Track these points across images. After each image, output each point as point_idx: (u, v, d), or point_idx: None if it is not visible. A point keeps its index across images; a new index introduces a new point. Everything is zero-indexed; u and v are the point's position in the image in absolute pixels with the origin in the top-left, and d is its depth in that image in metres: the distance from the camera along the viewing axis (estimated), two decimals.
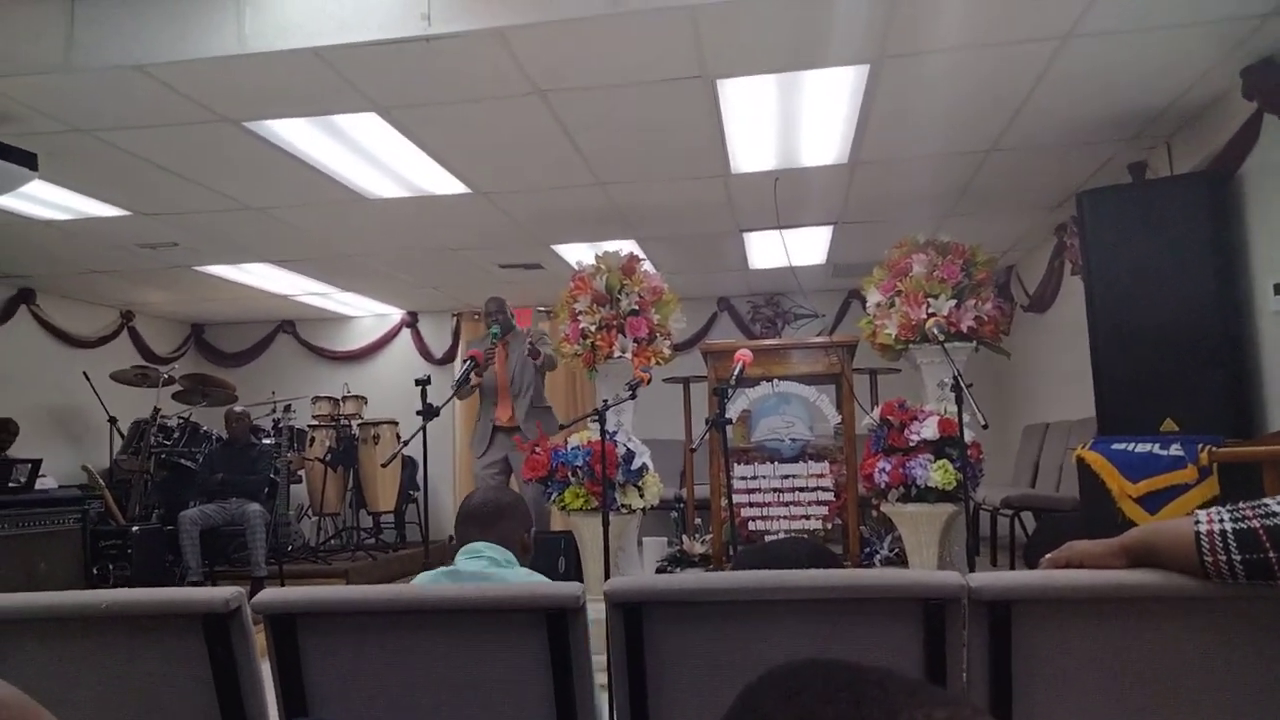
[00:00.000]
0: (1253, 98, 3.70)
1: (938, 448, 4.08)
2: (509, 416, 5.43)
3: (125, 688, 1.59)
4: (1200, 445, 3.39)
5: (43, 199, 4.96)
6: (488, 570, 2.00)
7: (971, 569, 3.48)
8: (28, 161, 3.81)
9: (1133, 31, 3.42)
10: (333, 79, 3.56)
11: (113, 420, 7.01)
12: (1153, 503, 3.42)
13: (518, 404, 5.41)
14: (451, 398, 4.06)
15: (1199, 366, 3.90)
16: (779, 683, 0.59)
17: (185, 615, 1.52)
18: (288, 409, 6.86)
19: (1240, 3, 3.24)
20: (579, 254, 6.46)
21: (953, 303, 4.41)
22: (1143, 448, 3.53)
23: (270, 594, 1.52)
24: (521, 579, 1.97)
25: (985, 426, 3.33)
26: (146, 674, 1.58)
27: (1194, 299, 3.95)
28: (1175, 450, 3.44)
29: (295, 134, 4.19)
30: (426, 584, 1.99)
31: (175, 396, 7.38)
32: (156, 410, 6.81)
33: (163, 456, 6.75)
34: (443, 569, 2.08)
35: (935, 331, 4.06)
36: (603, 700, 1.76)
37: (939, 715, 0.55)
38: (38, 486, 5.38)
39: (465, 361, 4.50)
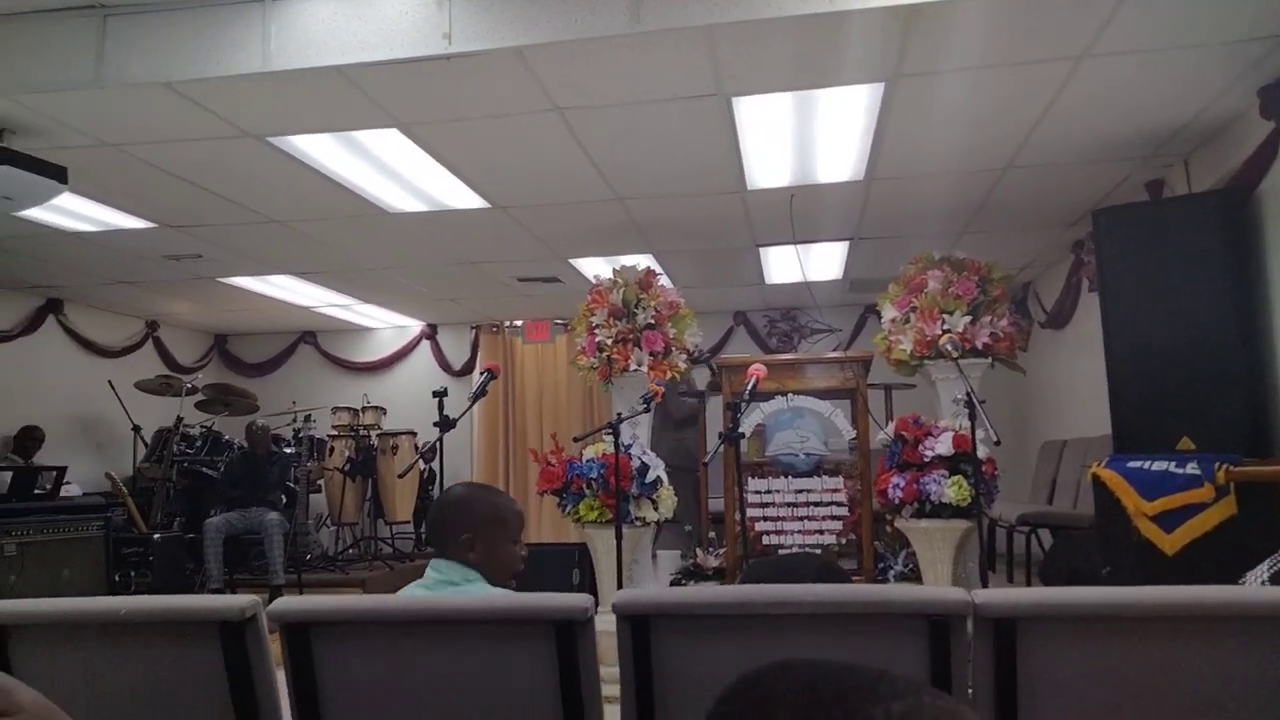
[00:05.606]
0: (1270, 117, 3.69)
1: (952, 464, 4.07)
2: None
3: (143, 693, 1.63)
4: (1217, 464, 3.37)
5: (72, 211, 5.07)
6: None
7: (984, 586, 3.46)
8: (58, 175, 3.89)
9: (1148, 51, 3.42)
10: (356, 96, 3.63)
11: (137, 429, 7.11)
12: (1168, 521, 3.40)
13: None
14: (469, 409, 4.08)
15: (1215, 385, 3.87)
16: (747, 688, 0.61)
17: (203, 623, 1.56)
18: (308, 419, 6.93)
19: (1256, 24, 3.23)
20: (596, 268, 6.50)
21: (968, 319, 4.41)
22: (1158, 466, 3.51)
23: (285, 602, 1.56)
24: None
25: (998, 443, 3.33)
26: (164, 680, 1.62)
27: (1210, 317, 3.93)
28: (1191, 469, 3.42)
29: (318, 149, 4.26)
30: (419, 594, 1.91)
31: (198, 406, 7.48)
32: (179, 419, 6.90)
33: (185, 465, 6.84)
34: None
35: (949, 348, 4.05)
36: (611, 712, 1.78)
37: (896, 709, 0.57)
38: (62, 494, 5.47)
39: (483, 374, 4.53)
